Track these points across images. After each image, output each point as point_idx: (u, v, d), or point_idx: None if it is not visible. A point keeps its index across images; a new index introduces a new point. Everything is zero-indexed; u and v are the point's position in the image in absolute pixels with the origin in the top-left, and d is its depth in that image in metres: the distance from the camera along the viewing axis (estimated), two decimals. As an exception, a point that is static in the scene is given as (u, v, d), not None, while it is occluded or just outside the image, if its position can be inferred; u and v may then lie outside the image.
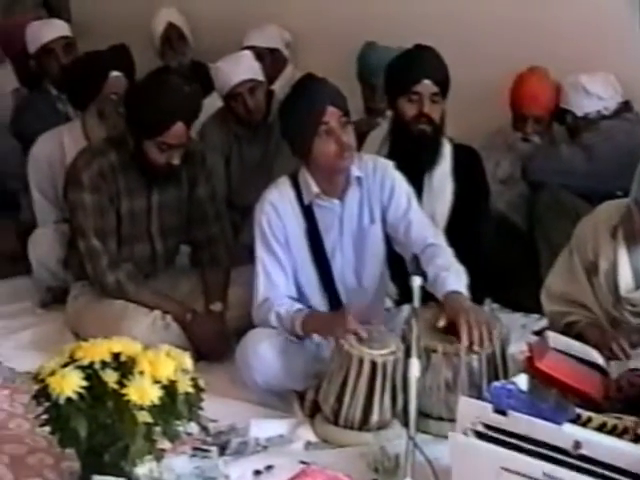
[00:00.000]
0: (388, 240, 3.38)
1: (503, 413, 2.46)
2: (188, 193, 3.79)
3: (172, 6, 5.27)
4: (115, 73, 4.12)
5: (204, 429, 2.73)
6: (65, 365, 2.49)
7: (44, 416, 2.50)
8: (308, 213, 3.32)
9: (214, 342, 3.58)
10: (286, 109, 3.33)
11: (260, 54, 4.69)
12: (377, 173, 3.34)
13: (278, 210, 3.30)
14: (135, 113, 3.57)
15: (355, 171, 3.30)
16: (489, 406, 2.49)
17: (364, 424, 2.99)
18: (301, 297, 3.35)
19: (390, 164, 3.38)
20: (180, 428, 2.57)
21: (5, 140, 4.54)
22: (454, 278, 3.12)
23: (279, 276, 3.30)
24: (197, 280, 3.82)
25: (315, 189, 3.29)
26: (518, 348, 3.31)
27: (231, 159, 4.52)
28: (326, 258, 3.34)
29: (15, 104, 4.97)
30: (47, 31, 4.89)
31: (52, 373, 2.47)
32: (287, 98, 3.35)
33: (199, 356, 3.32)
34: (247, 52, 4.52)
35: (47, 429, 2.52)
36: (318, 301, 3.36)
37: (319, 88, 3.27)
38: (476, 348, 2.96)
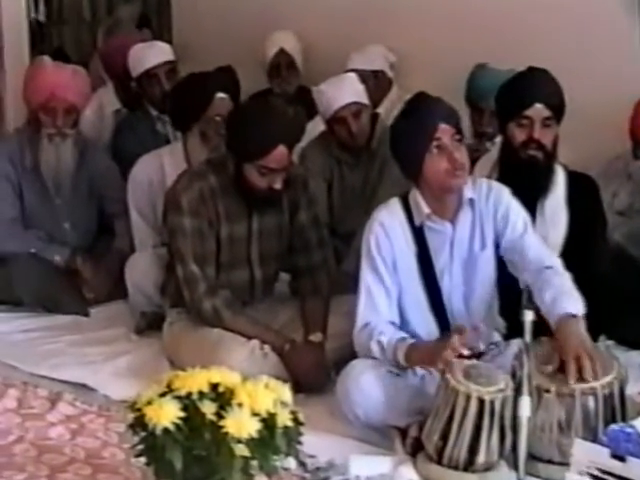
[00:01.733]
0: (499, 267, 3.32)
1: (621, 459, 2.39)
2: (289, 219, 3.79)
3: (286, 30, 5.29)
4: (220, 95, 4.15)
5: (302, 465, 2.71)
6: (162, 394, 2.48)
7: (140, 446, 2.49)
8: (418, 235, 3.29)
9: (313, 374, 3.56)
10: (397, 126, 3.32)
11: (364, 76, 4.67)
12: (491, 196, 3.30)
13: (387, 231, 3.28)
14: (236, 135, 3.58)
15: (468, 193, 3.26)
16: (606, 450, 2.42)
17: (469, 464, 2.92)
18: (404, 323, 3.31)
19: (505, 189, 3.33)
20: (277, 463, 2.54)
21: (105, 161, 4.60)
22: (571, 301, 3.04)
23: (383, 300, 3.27)
24: (296, 309, 3.81)
25: (426, 210, 3.26)
26: (637, 389, 3.21)
27: (333, 184, 4.51)
28: (435, 281, 3.30)
29: (115, 125, 5.05)
30: (151, 56, 4.94)
31: (149, 402, 2.47)
32: (399, 115, 3.33)
33: (298, 388, 3.29)
34: (351, 75, 4.52)
35: (142, 460, 2.52)
36: (424, 326, 3.32)
37: (432, 105, 3.25)
38: (589, 378, 2.87)
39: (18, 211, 4.39)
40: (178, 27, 6.00)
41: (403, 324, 3.30)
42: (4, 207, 4.36)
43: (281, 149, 3.55)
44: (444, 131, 3.18)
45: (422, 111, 3.23)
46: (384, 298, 3.28)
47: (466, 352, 2.96)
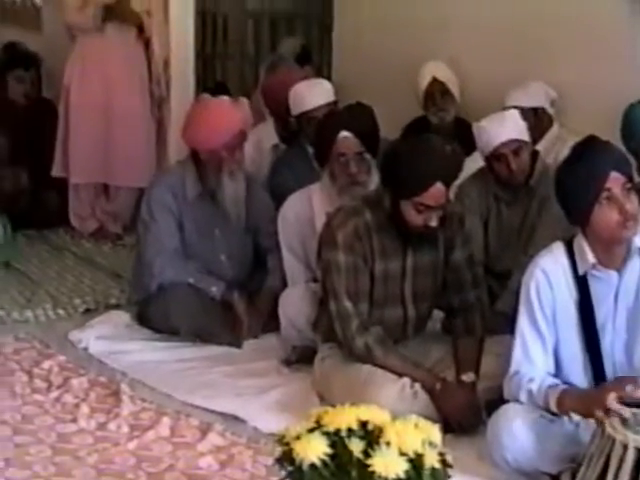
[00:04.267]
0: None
1: None
2: (444, 256, 3.77)
3: (439, 60, 5.31)
4: (344, 134, 4.14)
5: (450, 507, 2.66)
6: (311, 430, 2.50)
7: (286, 480, 2.51)
8: (581, 284, 3.19)
9: (464, 414, 3.52)
10: (564, 172, 3.20)
11: (524, 113, 4.62)
12: None
13: (550, 278, 3.19)
14: (394, 172, 3.59)
15: (637, 241, 3.15)
16: None
17: (624, 516, 2.83)
18: (559, 372, 3.24)
19: None
20: (424, 504, 2.52)
21: (262, 196, 4.68)
22: None
23: (538, 351, 3.20)
24: (449, 347, 3.79)
25: (592, 259, 3.15)
26: None
27: (490, 222, 4.46)
28: (595, 332, 3.19)
29: (273, 160, 5.13)
30: (312, 97, 4.96)
31: (297, 437, 2.48)
32: (567, 160, 3.23)
33: (447, 428, 3.26)
34: (513, 111, 4.47)
35: (289, 494, 2.54)
36: (579, 377, 3.22)
37: (602, 152, 3.14)
38: None
39: (179, 242, 4.50)
40: (338, 62, 6.06)
41: (557, 374, 3.23)
42: (166, 238, 4.47)
43: (438, 186, 3.54)
44: (615, 180, 3.07)
45: (592, 158, 3.12)
46: (539, 348, 3.20)
47: (627, 415, 2.87)
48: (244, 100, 4.85)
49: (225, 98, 4.69)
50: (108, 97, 5.80)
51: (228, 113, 4.52)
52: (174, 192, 4.48)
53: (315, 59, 6.65)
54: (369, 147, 4.18)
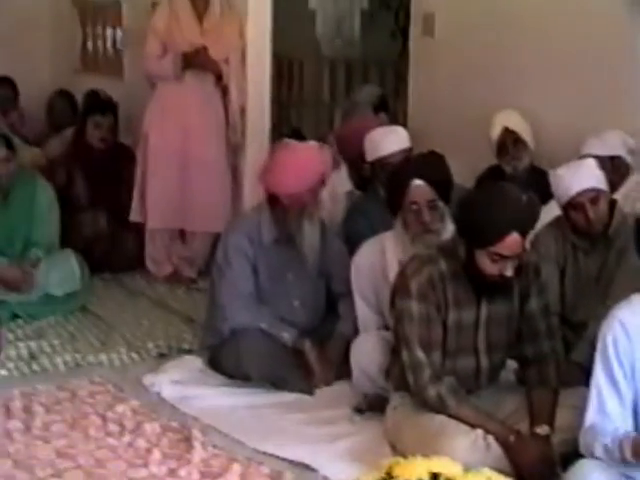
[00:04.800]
0: None
1: None
2: (519, 306, 3.74)
3: (511, 109, 5.30)
4: (416, 182, 4.14)
5: None
6: (382, 481, 2.49)
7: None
8: None
9: (539, 468, 3.46)
10: None
11: (601, 162, 4.58)
12: None
13: (628, 331, 3.13)
14: (469, 221, 3.58)
15: None
16: None
17: None
18: (637, 427, 3.17)
19: None
20: None
21: (336, 242, 4.69)
22: None
23: (614, 405, 3.14)
24: (522, 399, 3.74)
25: (672, 312, 3.10)
26: None
27: (566, 271, 4.41)
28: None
29: (347, 206, 5.14)
30: (387, 143, 4.98)
31: (368, 488, 2.48)
32: None
33: (521, 482, 3.22)
34: (590, 160, 4.43)
35: None
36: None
37: None
38: None
39: (253, 286, 4.53)
40: (413, 110, 6.08)
41: (636, 429, 3.15)
42: (241, 282, 4.49)
43: (514, 236, 3.52)
44: None
45: None
46: (616, 403, 3.13)
47: None
48: (326, 146, 4.88)
49: (312, 143, 4.74)
50: (185, 144, 5.87)
51: (315, 157, 4.58)
52: (250, 237, 4.51)
53: (390, 106, 6.65)
54: (442, 195, 4.18)
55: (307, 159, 4.55)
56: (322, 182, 4.53)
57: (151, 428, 3.96)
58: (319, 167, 4.52)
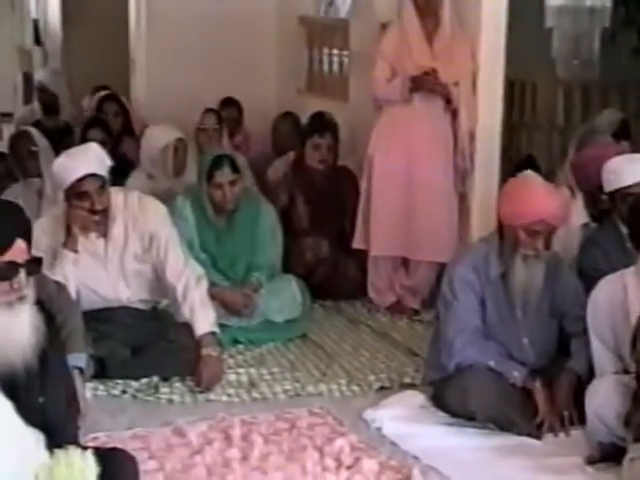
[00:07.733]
0: None
1: None
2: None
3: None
4: None
5: None
6: None
7: None
8: None
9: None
10: None
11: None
12: None
13: None
14: None
15: None
16: None
17: None
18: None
19: None
20: None
21: (571, 278, 4.55)
22: None
23: None
24: None
25: None
26: None
27: None
28: None
29: (582, 240, 5.00)
30: (630, 172, 4.76)
31: None
32: None
33: None
34: None
35: None
36: None
37: None
38: None
39: (480, 321, 4.45)
40: None
41: None
42: (468, 316, 4.42)
43: None
44: None
45: None
46: None
47: None
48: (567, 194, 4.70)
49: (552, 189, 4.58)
50: (412, 168, 5.85)
51: (541, 198, 4.38)
52: (477, 270, 4.44)
53: (634, 133, 6.42)
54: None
55: (549, 194, 4.43)
56: (545, 227, 4.37)
57: (369, 465, 3.94)
58: (543, 208, 4.34)
